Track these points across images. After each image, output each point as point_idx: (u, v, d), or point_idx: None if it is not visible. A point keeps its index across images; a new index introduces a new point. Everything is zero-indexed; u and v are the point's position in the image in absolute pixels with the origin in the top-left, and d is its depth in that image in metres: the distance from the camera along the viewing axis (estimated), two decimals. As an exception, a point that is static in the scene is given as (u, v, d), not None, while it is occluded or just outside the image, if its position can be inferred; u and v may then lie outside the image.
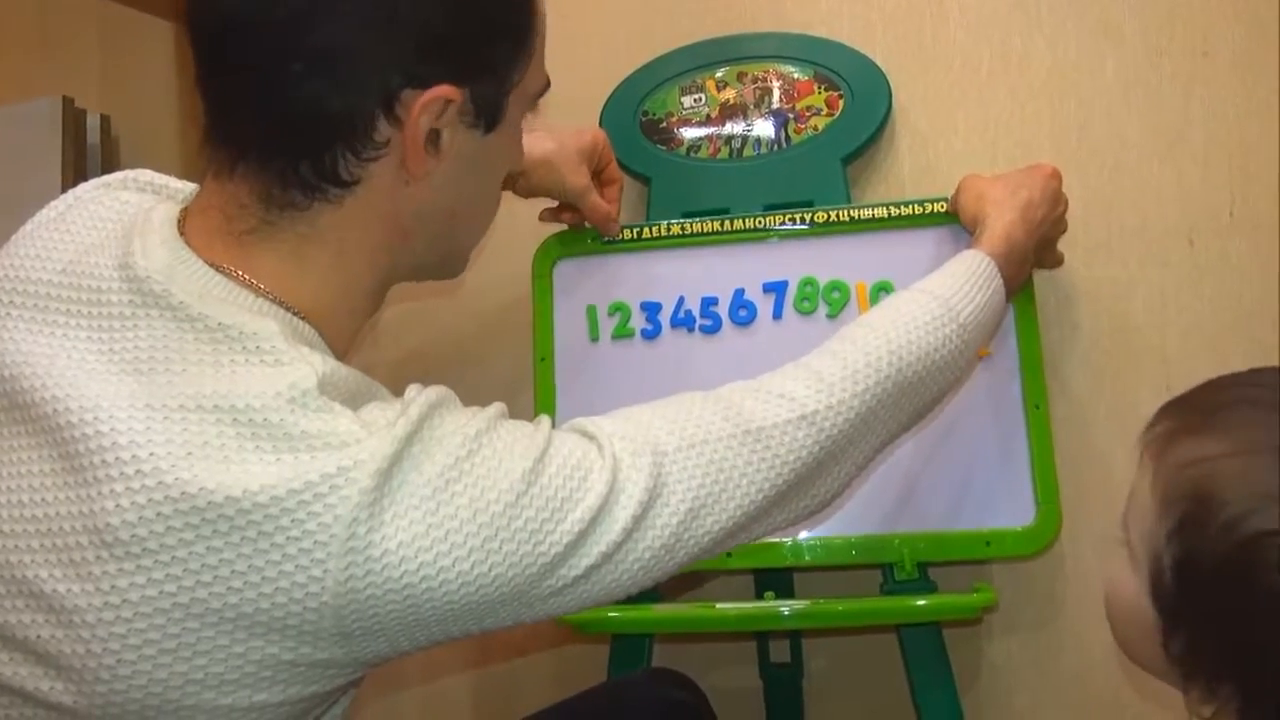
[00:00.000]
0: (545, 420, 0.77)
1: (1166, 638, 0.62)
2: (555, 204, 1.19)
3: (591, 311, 1.19)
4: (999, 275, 0.98)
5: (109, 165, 1.53)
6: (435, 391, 0.73)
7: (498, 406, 0.76)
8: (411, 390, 0.74)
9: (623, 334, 1.19)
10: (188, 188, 0.85)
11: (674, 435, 0.78)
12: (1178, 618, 0.62)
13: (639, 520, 0.74)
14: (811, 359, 0.86)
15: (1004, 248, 1.01)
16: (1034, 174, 1.08)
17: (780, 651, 1.25)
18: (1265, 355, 1.14)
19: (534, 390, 1.19)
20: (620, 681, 1.13)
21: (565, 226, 1.22)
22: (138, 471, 0.67)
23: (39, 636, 0.68)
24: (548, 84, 0.84)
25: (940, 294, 0.92)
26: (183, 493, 0.66)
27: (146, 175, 0.86)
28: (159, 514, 0.66)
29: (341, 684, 0.74)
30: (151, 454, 0.67)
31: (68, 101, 1.51)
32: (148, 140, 1.56)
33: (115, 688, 0.67)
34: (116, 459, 0.67)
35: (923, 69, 1.26)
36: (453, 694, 1.39)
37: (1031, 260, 1.07)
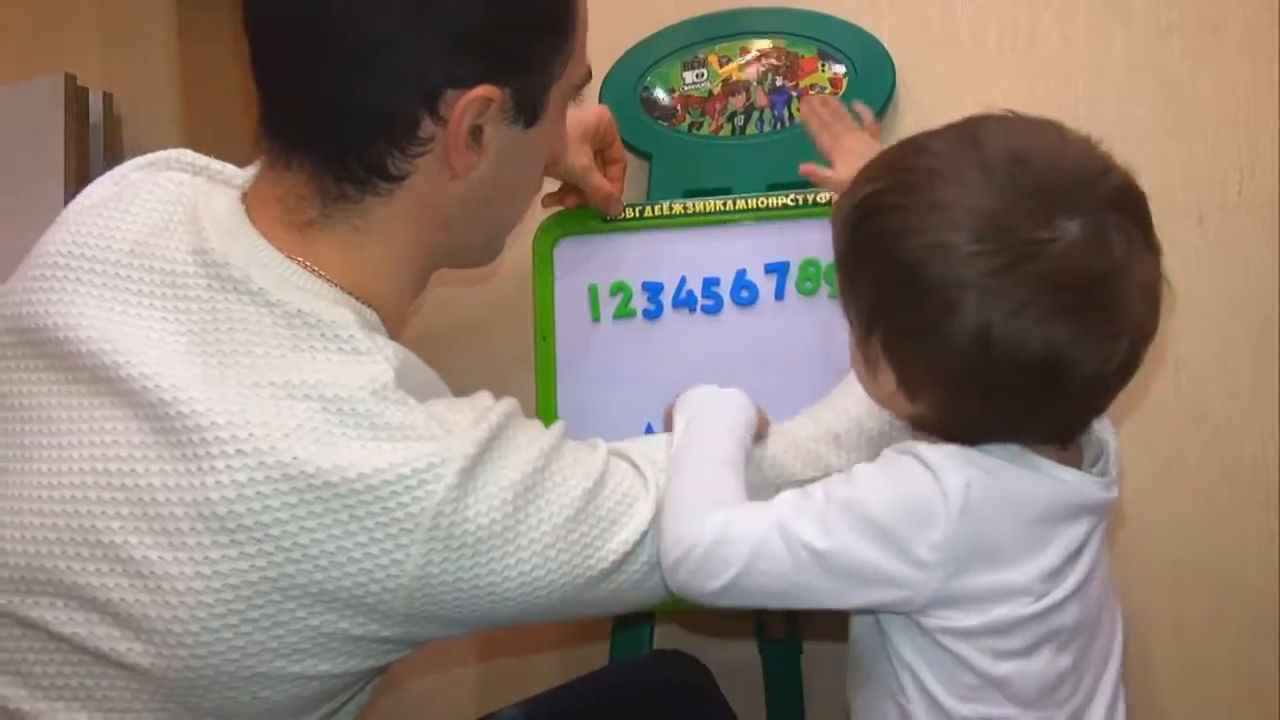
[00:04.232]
0: (601, 445, 0.82)
1: (851, 328, 0.77)
2: (558, 187, 1.18)
3: (593, 291, 1.19)
4: None
5: (112, 143, 1.53)
6: (509, 402, 0.79)
7: (560, 425, 0.80)
8: (485, 397, 0.78)
9: (624, 314, 1.18)
10: (227, 169, 0.87)
11: None
12: (846, 298, 0.77)
13: None
14: (835, 421, 0.88)
15: None
16: None
17: (776, 628, 1.25)
18: (1274, 333, 1.13)
19: (535, 370, 1.18)
20: (626, 663, 1.13)
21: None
22: (238, 450, 0.69)
23: (123, 600, 0.71)
24: (589, 74, 0.87)
25: None
26: (284, 473, 0.69)
27: (189, 156, 0.88)
28: (258, 492, 0.69)
29: (392, 660, 0.79)
30: (250, 434, 0.70)
31: (70, 79, 1.51)
32: (150, 118, 1.56)
33: (196, 652, 0.71)
34: (216, 438, 0.70)
35: (928, 46, 1.25)
36: (459, 677, 1.40)
37: None
